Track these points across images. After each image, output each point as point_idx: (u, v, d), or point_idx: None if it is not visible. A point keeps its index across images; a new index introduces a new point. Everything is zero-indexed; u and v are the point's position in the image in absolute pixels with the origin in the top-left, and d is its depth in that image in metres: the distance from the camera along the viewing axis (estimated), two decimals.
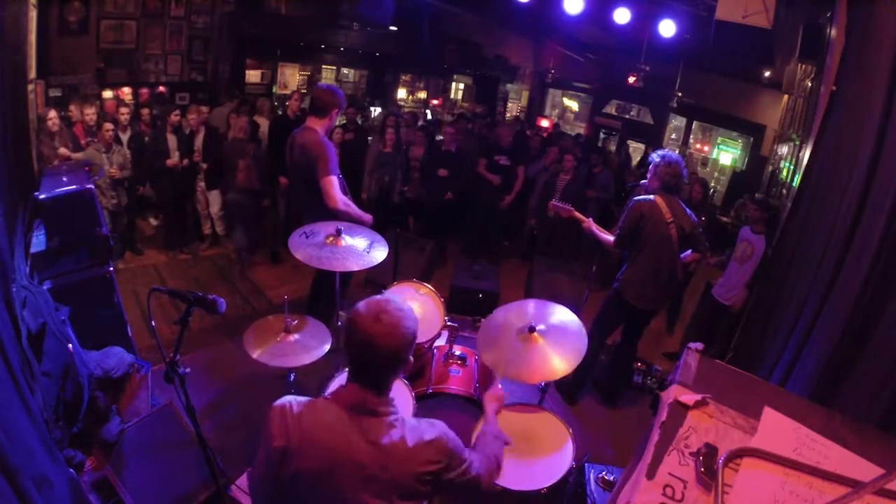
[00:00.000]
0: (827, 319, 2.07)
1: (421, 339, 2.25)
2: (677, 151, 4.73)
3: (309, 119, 3.13)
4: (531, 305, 2.40)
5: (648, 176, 3.36)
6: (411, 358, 1.34)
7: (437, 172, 5.61)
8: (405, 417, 1.35)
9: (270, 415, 1.30)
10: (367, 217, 3.12)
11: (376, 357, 1.26)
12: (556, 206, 3.63)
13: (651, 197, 3.24)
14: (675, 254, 3.27)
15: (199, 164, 5.17)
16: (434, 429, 1.34)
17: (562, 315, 2.34)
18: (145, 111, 5.45)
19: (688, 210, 3.31)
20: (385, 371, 1.31)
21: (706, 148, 9.33)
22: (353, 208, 3.10)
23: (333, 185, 2.97)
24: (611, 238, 3.40)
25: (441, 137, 6.52)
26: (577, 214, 3.52)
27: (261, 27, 8.16)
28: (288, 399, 1.33)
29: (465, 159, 5.83)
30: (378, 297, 1.33)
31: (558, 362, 2.15)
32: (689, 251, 3.34)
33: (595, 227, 3.45)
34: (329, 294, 3.34)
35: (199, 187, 5.37)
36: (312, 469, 1.25)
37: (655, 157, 3.31)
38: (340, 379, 2.39)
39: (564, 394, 3.72)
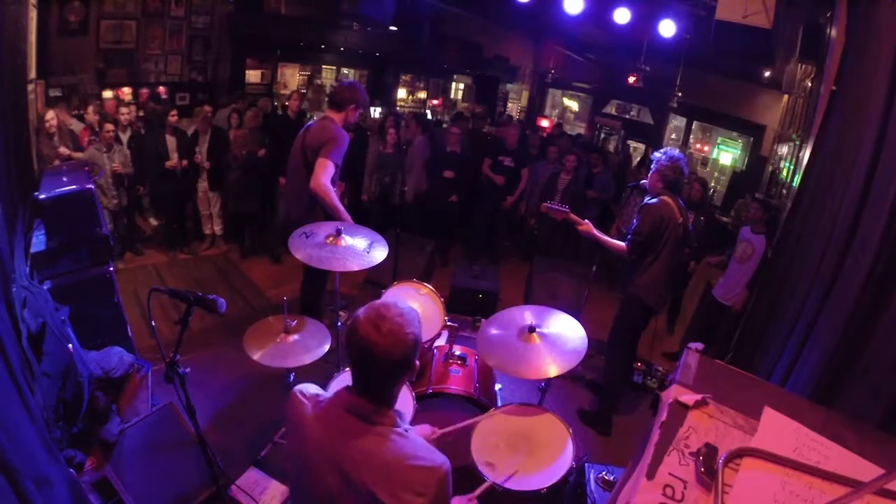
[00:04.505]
0: (827, 319, 2.07)
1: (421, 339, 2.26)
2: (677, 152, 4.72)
3: (328, 111, 3.18)
4: (529, 311, 2.44)
5: (651, 176, 3.20)
6: (417, 363, 1.27)
7: (441, 174, 5.60)
8: (411, 437, 1.25)
9: (289, 395, 1.36)
10: (346, 217, 3.04)
11: (376, 366, 1.20)
12: (549, 207, 3.32)
13: (659, 199, 3.11)
14: (681, 252, 3.30)
15: (201, 165, 5.14)
16: (435, 457, 1.22)
17: (560, 321, 2.38)
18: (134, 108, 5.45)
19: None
20: (385, 380, 1.24)
21: (706, 148, 9.31)
22: (335, 200, 2.97)
23: (326, 169, 2.93)
24: (618, 244, 3.23)
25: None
26: (573, 217, 3.26)
27: (261, 27, 8.14)
28: (304, 386, 1.37)
29: (470, 160, 5.82)
30: (379, 301, 1.28)
31: (557, 361, 2.17)
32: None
33: (597, 232, 3.22)
34: (314, 290, 3.35)
35: (201, 188, 5.35)
36: (299, 457, 1.29)
37: (659, 155, 3.17)
38: (340, 378, 2.40)
39: (596, 427, 3.48)
